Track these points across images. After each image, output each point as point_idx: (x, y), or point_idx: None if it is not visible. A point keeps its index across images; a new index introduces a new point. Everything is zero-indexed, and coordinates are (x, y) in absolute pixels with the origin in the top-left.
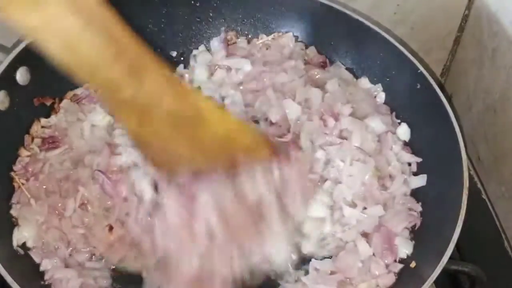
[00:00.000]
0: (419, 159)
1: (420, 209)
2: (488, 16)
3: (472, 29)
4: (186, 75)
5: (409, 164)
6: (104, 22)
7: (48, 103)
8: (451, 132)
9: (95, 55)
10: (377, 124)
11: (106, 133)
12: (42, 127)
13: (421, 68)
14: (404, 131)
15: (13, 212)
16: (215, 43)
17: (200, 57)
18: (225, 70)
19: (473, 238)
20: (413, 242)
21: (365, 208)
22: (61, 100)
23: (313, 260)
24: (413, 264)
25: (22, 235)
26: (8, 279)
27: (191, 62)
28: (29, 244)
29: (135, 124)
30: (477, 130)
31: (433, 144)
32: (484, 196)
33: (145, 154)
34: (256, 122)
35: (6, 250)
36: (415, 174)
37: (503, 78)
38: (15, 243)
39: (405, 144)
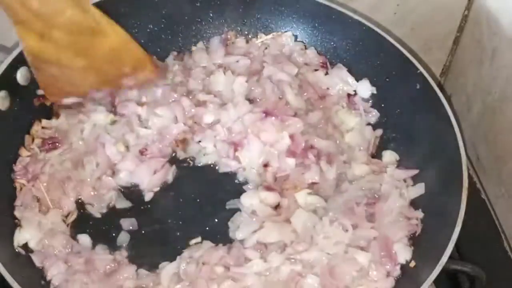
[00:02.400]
0: (415, 172)
1: (421, 215)
2: (488, 16)
3: (471, 29)
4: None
5: (404, 181)
6: None
7: (48, 103)
8: (451, 132)
9: None
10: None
11: (105, 132)
12: (43, 127)
13: (421, 68)
14: (366, 87)
15: (16, 213)
16: (215, 42)
17: (197, 56)
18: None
19: (473, 238)
20: (412, 248)
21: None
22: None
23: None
24: (412, 264)
25: (23, 236)
26: (9, 279)
27: (185, 58)
28: (31, 245)
29: (36, 39)
30: (476, 130)
31: (433, 144)
32: (483, 196)
33: (40, 77)
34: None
35: (7, 250)
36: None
37: (503, 78)
38: (16, 243)
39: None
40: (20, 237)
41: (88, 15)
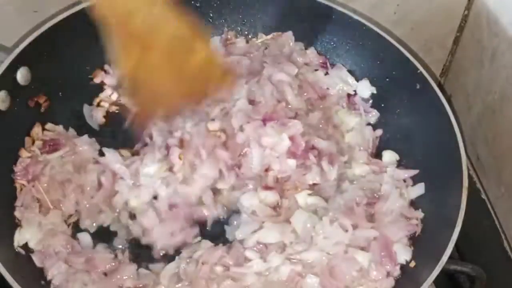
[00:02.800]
0: (415, 172)
1: (421, 216)
2: (488, 16)
3: (471, 29)
4: None
5: (404, 181)
6: None
7: (42, 101)
8: (451, 132)
9: None
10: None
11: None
12: (45, 129)
13: (421, 68)
14: (366, 87)
15: (17, 214)
16: (215, 42)
17: None
18: None
19: (473, 238)
20: (412, 248)
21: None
22: None
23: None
24: (412, 264)
25: (23, 236)
26: (9, 279)
27: None
28: (31, 245)
29: (134, 59)
30: (476, 130)
31: (433, 144)
32: (484, 196)
33: (134, 98)
34: None
35: (7, 250)
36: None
37: (503, 78)
38: (16, 243)
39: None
40: (20, 237)
41: (182, 28)
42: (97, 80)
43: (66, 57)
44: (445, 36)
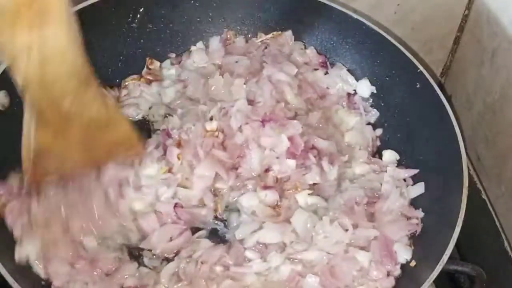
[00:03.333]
0: (415, 171)
1: (421, 215)
2: (488, 16)
3: (472, 29)
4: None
5: (404, 180)
6: (77, 40)
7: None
8: (451, 132)
9: (64, 71)
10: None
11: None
12: None
13: (421, 68)
14: (366, 87)
15: (15, 232)
16: (215, 42)
17: (196, 56)
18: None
19: (473, 238)
20: (412, 247)
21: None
22: None
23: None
24: (413, 263)
25: (24, 251)
26: (9, 279)
27: (184, 58)
28: (32, 259)
29: (51, 136)
30: (477, 130)
31: (433, 144)
32: (484, 196)
33: (34, 165)
34: None
35: (7, 250)
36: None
37: (503, 78)
38: (17, 257)
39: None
40: (21, 251)
41: (108, 109)
42: None
43: None
44: (445, 36)
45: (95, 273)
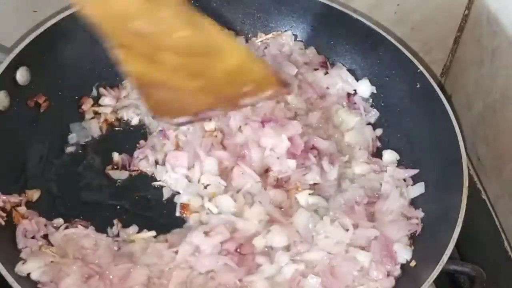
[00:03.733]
0: (415, 171)
1: (421, 215)
2: (488, 16)
3: (472, 29)
4: None
5: (404, 180)
6: None
7: (41, 101)
8: (451, 132)
9: None
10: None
11: None
12: None
13: (421, 68)
14: (366, 87)
15: (22, 255)
16: None
17: None
18: None
19: (473, 238)
20: (412, 248)
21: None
22: None
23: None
24: (413, 263)
25: (27, 269)
26: (9, 279)
27: None
28: (34, 277)
29: (142, 63)
30: (477, 130)
31: (433, 144)
32: (484, 196)
33: (147, 100)
34: None
35: (7, 251)
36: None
37: (503, 78)
38: (17, 270)
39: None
40: (23, 269)
41: (202, 33)
42: (85, 108)
43: (66, 57)
44: (445, 36)
45: (107, 281)
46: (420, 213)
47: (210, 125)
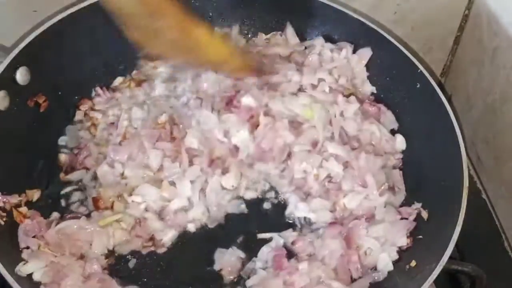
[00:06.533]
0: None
1: (419, 205)
2: (488, 16)
3: (472, 29)
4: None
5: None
6: None
7: (41, 101)
8: (451, 132)
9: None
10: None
11: None
12: None
13: (421, 68)
14: (400, 141)
15: (24, 256)
16: None
17: None
18: None
19: (473, 238)
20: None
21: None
22: None
23: None
24: (413, 263)
25: (27, 268)
26: (9, 279)
27: None
28: (36, 278)
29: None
30: (477, 130)
31: (433, 144)
32: (484, 196)
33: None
34: None
35: (7, 251)
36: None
37: (503, 78)
38: (17, 270)
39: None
40: (24, 269)
41: (189, 35)
42: (83, 108)
43: (66, 57)
44: (445, 36)
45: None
46: (417, 205)
47: (161, 118)
